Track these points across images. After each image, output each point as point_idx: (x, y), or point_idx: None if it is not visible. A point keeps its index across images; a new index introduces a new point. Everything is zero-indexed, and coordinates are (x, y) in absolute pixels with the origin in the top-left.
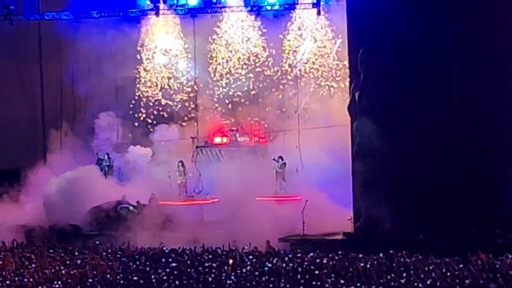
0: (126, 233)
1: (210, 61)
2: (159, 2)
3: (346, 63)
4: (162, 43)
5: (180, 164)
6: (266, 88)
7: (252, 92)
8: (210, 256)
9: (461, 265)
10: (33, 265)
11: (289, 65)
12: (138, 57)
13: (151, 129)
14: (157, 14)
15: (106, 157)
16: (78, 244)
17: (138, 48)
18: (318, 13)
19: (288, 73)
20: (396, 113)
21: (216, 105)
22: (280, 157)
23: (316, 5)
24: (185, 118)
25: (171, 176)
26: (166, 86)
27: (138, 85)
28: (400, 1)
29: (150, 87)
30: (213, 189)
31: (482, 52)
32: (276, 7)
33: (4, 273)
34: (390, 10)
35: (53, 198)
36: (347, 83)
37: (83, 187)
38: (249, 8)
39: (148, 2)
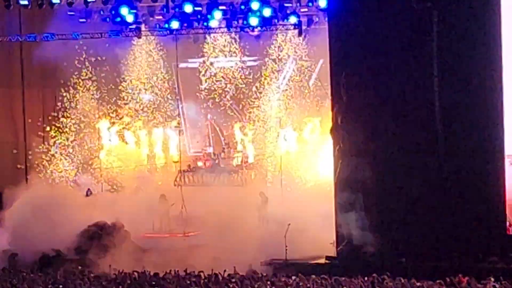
0: (106, 258)
1: (193, 83)
2: (141, 24)
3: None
4: (144, 66)
5: (162, 198)
6: (249, 111)
7: (235, 115)
8: (193, 280)
9: None
10: None
11: (271, 87)
12: (121, 80)
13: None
14: (138, 35)
15: (88, 192)
16: (61, 268)
17: (121, 72)
18: (300, 33)
19: (269, 95)
20: (380, 137)
21: (200, 128)
22: (262, 193)
23: (297, 26)
24: (168, 141)
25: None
26: (150, 109)
27: (120, 110)
28: (383, 25)
29: (133, 110)
30: (196, 214)
31: (464, 74)
32: (258, 29)
33: None
34: (372, 34)
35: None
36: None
37: (52, 209)
38: (230, 28)
39: (132, 26)
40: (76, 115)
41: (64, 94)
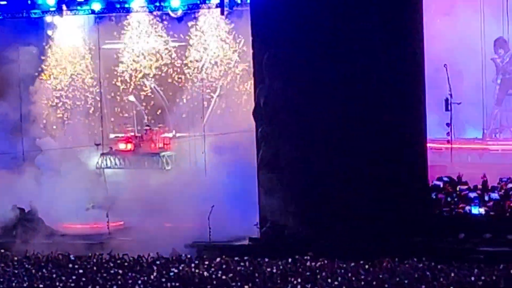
0: (26, 242)
1: (115, 67)
2: (63, 3)
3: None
4: (66, 47)
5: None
6: (172, 93)
7: (157, 98)
8: (117, 263)
9: (366, 269)
10: None
11: (194, 70)
12: (42, 63)
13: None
14: (60, 15)
15: None
16: None
17: (42, 53)
18: (222, 13)
19: (193, 78)
20: (302, 118)
21: (121, 110)
22: None
23: (219, 5)
24: (89, 124)
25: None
26: (70, 90)
27: (38, 94)
28: (305, 6)
29: (52, 91)
30: (119, 197)
31: (389, 53)
32: (180, 12)
33: None
34: (295, 15)
35: None
36: (252, 88)
37: None
38: (152, 10)
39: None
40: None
41: None
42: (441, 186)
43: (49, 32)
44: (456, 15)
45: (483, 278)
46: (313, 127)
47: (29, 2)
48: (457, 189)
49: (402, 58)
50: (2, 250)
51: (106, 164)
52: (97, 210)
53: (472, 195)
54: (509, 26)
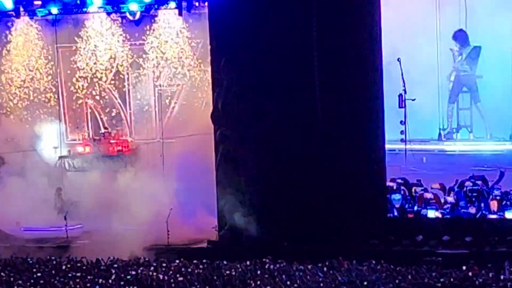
0: None
1: (73, 70)
2: (20, 5)
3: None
4: (23, 51)
5: (58, 191)
6: (130, 96)
7: (115, 101)
8: (75, 266)
9: (324, 271)
10: None
11: (152, 72)
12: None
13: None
14: (17, 16)
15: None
16: None
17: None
18: (180, 14)
19: (150, 81)
20: (260, 121)
21: (79, 113)
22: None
23: (177, 7)
24: (46, 127)
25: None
26: (26, 94)
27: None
28: (262, 11)
29: (9, 93)
30: (77, 199)
31: (344, 58)
32: (138, 15)
33: None
34: (252, 20)
35: None
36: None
37: None
38: (110, 12)
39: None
40: None
41: None
42: (395, 187)
43: (7, 33)
44: (411, 7)
45: (441, 280)
46: (270, 129)
47: None
48: (413, 191)
49: (360, 58)
50: None
51: (64, 167)
52: (55, 213)
53: (428, 196)
54: (467, 20)
